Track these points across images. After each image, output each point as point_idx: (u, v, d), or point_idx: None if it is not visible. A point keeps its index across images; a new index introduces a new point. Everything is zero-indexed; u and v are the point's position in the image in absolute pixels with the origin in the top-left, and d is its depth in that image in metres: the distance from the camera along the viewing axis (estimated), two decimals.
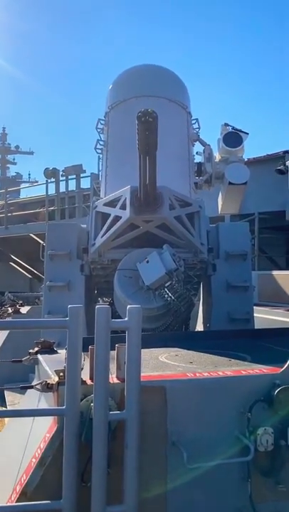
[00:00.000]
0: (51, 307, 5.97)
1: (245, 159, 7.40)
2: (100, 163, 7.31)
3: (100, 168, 7.22)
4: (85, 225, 6.40)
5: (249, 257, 6.33)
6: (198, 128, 7.08)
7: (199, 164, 6.95)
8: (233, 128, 7.07)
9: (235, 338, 4.87)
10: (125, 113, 6.58)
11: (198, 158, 7.10)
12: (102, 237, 5.70)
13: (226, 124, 7.11)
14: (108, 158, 6.80)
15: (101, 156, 7.11)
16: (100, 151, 7.04)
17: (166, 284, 4.98)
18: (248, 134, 7.01)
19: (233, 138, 6.95)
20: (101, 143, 6.96)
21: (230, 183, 6.75)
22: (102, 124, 6.99)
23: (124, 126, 6.51)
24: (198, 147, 7.12)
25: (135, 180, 6.08)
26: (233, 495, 3.04)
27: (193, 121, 7.05)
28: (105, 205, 5.82)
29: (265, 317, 7.33)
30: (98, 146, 7.02)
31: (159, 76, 7.04)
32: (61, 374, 2.83)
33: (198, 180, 6.78)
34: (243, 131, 7.00)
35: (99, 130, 7.03)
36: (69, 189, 15.60)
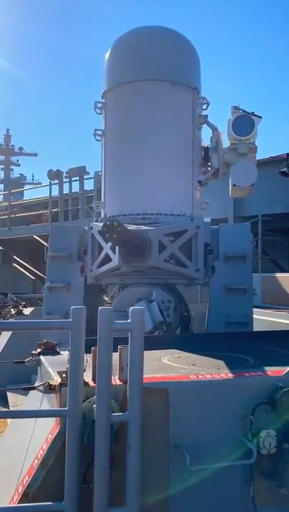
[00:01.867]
0: (50, 308, 6.11)
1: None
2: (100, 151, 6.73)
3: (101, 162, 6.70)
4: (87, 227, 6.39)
5: (249, 259, 6.14)
6: (207, 105, 6.37)
7: (206, 150, 6.41)
8: (243, 111, 6.43)
9: (238, 341, 4.86)
10: (120, 100, 6.29)
11: (206, 140, 6.49)
12: (97, 267, 5.80)
13: (236, 108, 6.50)
14: (106, 152, 6.46)
15: (101, 142, 6.60)
16: (98, 137, 6.57)
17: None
18: (260, 117, 6.38)
19: (244, 123, 6.35)
20: (98, 132, 6.52)
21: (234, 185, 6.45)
22: (99, 105, 6.47)
23: (121, 115, 6.30)
24: (206, 132, 6.46)
25: (136, 181, 6.09)
26: (235, 497, 3.03)
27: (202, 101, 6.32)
28: (100, 232, 5.65)
29: (268, 319, 7.30)
30: (98, 132, 6.53)
31: (162, 47, 6.18)
32: (64, 375, 2.83)
33: (202, 178, 6.37)
34: (255, 115, 6.37)
35: (98, 112, 6.54)
36: (72, 191, 15.62)
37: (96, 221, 6.28)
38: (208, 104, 6.37)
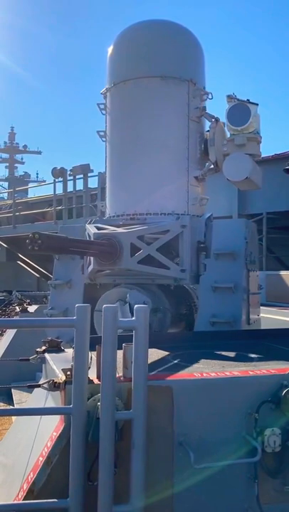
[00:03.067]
0: (54, 303, 6.57)
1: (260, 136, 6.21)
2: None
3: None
4: None
5: (241, 256, 5.85)
6: (206, 95, 6.10)
7: (206, 142, 6.23)
8: (238, 100, 5.98)
9: (242, 338, 4.85)
10: (114, 100, 6.28)
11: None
12: (87, 268, 5.84)
13: (230, 96, 6.09)
14: (108, 156, 6.42)
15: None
16: (103, 138, 6.51)
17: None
18: (256, 104, 5.91)
19: (240, 112, 5.93)
20: (101, 133, 6.48)
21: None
22: (102, 106, 6.41)
23: (116, 114, 6.26)
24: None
25: (127, 182, 6.10)
26: (239, 496, 3.03)
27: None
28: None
29: (272, 317, 7.29)
30: (101, 133, 6.47)
31: (151, 43, 6.08)
32: (68, 373, 2.83)
33: (198, 174, 6.07)
34: (250, 102, 5.92)
35: (103, 113, 6.46)
36: (76, 188, 15.62)
37: (89, 222, 6.35)
38: (207, 94, 6.10)
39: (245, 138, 5.92)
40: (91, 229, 5.51)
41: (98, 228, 5.59)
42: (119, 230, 5.44)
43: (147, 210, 5.97)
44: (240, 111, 5.88)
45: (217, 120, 6.03)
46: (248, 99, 5.90)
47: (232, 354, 3.94)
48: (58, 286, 6.60)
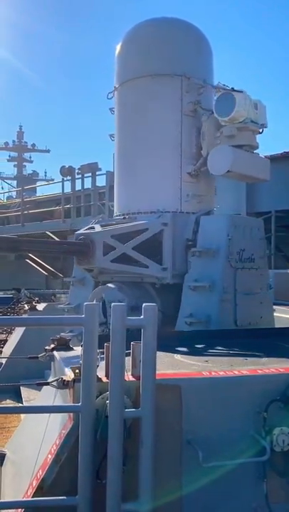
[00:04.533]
0: (70, 299, 6.99)
1: (260, 128, 5.88)
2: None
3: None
4: None
5: (222, 254, 5.48)
6: (203, 88, 5.99)
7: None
8: (224, 89, 5.69)
9: (251, 337, 4.83)
10: (118, 101, 6.48)
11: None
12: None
13: (217, 86, 5.79)
14: (115, 155, 6.63)
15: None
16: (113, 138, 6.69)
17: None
18: (241, 91, 5.57)
19: (225, 102, 5.63)
20: (113, 139, 6.65)
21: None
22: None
23: (118, 115, 6.46)
24: None
25: (124, 182, 6.32)
26: (248, 494, 3.02)
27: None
28: None
29: (281, 316, 7.24)
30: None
31: (144, 44, 6.22)
32: (77, 371, 2.84)
33: (191, 170, 5.97)
34: (235, 90, 5.59)
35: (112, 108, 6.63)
36: (85, 187, 15.65)
37: (96, 222, 6.50)
38: (205, 86, 5.96)
39: (234, 128, 5.67)
40: (82, 230, 5.84)
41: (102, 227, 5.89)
42: (97, 229, 5.65)
43: (138, 209, 6.12)
44: (226, 100, 5.62)
45: (212, 113, 5.89)
46: (232, 88, 5.63)
47: (240, 353, 3.93)
48: (74, 283, 6.90)
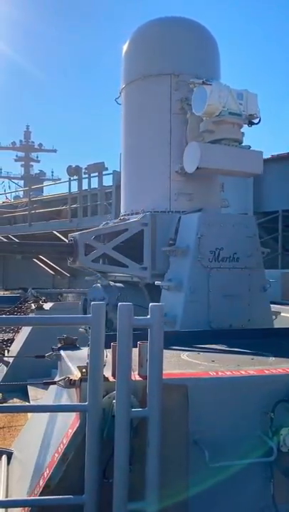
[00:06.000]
0: (90, 296, 7.01)
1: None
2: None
3: None
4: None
5: (191, 253, 5.30)
6: (194, 84, 5.74)
7: None
8: (196, 83, 5.46)
9: (258, 337, 4.82)
10: (124, 102, 6.60)
11: None
12: None
13: (192, 82, 5.53)
14: (123, 162, 6.78)
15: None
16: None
17: None
18: (210, 84, 5.29)
19: (199, 96, 5.42)
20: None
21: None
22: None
23: (128, 121, 6.56)
24: None
25: (128, 184, 6.44)
26: (255, 495, 3.01)
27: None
28: None
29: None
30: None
31: (135, 47, 6.38)
32: (84, 370, 2.85)
33: (178, 168, 5.88)
34: (206, 83, 5.34)
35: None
36: (91, 187, 15.67)
37: (105, 224, 6.66)
38: (196, 84, 5.68)
39: (210, 123, 5.47)
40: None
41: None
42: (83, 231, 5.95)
43: (131, 210, 6.26)
44: (200, 94, 5.42)
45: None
46: (203, 81, 5.38)
47: (247, 353, 3.92)
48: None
